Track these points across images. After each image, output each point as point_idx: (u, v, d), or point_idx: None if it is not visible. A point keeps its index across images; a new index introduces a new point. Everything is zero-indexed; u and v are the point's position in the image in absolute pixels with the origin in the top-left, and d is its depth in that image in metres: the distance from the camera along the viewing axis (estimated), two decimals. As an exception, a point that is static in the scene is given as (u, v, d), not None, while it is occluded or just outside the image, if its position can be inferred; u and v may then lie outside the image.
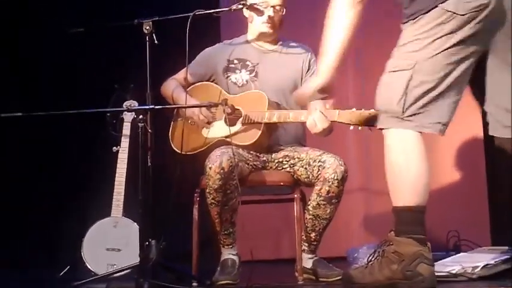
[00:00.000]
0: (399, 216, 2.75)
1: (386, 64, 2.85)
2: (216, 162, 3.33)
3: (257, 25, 3.70)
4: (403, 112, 2.74)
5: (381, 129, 2.84)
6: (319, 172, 3.43)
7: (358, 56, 4.92)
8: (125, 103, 3.96)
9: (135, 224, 3.83)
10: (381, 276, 2.75)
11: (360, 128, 3.25)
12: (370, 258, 2.85)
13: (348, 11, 2.87)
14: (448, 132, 4.77)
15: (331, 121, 3.33)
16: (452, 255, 4.01)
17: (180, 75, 3.75)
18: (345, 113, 3.30)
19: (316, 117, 3.33)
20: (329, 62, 2.93)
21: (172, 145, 3.64)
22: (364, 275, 2.79)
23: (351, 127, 3.28)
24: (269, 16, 3.66)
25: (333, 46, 2.90)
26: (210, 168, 3.34)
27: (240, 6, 3.52)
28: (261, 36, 3.73)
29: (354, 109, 3.29)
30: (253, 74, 3.69)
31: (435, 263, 3.47)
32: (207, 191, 3.38)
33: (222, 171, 3.32)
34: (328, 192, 3.39)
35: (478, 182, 4.69)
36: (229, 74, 3.71)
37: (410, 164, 2.72)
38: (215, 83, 3.74)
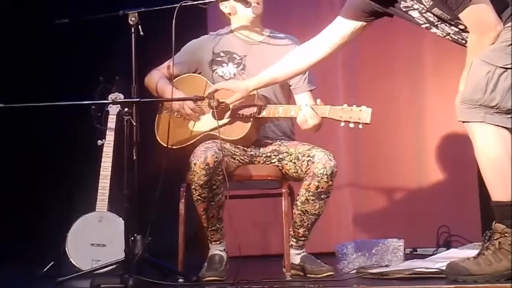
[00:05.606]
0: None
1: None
2: (201, 158, 3.27)
3: (244, 14, 3.62)
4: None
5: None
6: (308, 167, 3.38)
7: (349, 53, 4.85)
8: (110, 95, 3.90)
9: (120, 218, 3.77)
10: (501, 267, 2.76)
11: (351, 125, 3.21)
12: (479, 251, 2.84)
13: None
14: (439, 127, 4.78)
15: (322, 117, 3.29)
16: (442, 251, 3.99)
17: (165, 66, 3.68)
18: (335, 109, 3.26)
19: (306, 113, 3.29)
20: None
21: (158, 138, 3.58)
22: (481, 267, 2.78)
23: (342, 124, 3.24)
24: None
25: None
26: (195, 164, 3.28)
27: (228, -2, 3.47)
28: (251, 24, 3.64)
29: (345, 105, 3.25)
30: (241, 67, 3.64)
31: (425, 259, 3.46)
32: (193, 187, 3.33)
33: (207, 166, 3.26)
34: (318, 187, 3.35)
35: (469, 177, 4.63)
36: (215, 68, 3.65)
37: None
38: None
